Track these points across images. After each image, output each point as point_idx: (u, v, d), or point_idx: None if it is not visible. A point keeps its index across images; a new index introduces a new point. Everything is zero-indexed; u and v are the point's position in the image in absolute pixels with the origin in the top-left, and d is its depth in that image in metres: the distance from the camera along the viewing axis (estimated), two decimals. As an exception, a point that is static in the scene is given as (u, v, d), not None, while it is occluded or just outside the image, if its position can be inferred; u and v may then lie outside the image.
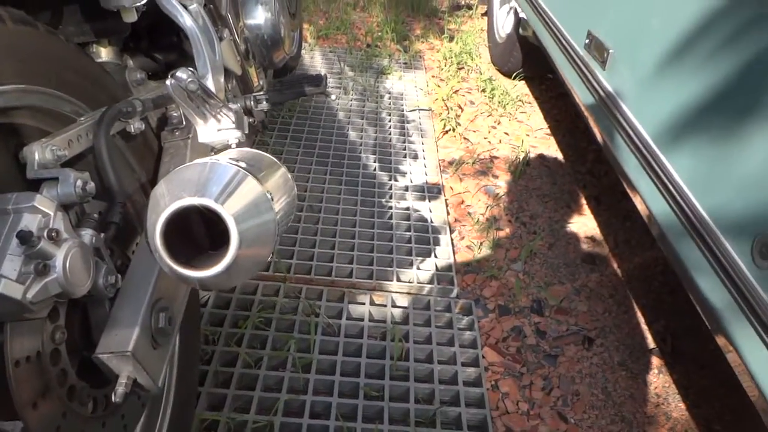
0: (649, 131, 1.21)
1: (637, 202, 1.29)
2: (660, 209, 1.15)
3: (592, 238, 1.96)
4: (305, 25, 3.27)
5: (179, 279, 0.63)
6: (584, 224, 2.02)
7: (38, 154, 0.67)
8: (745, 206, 0.88)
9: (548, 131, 2.61)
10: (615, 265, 1.85)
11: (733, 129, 0.95)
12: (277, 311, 1.51)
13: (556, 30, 1.87)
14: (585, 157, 2.39)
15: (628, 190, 1.34)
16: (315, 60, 3.05)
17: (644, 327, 1.63)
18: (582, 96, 1.63)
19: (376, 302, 1.58)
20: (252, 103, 1.23)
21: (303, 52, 2.98)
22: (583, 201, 2.14)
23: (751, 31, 0.95)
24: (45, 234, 0.61)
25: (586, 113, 1.62)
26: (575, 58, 1.66)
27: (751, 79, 0.94)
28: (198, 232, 0.69)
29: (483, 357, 1.46)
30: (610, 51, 1.42)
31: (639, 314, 1.67)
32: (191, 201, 0.61)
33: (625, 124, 1.31)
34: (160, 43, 1.19)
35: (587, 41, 1.56)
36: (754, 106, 0.91)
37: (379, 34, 3.44)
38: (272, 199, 0.72)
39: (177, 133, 1.04)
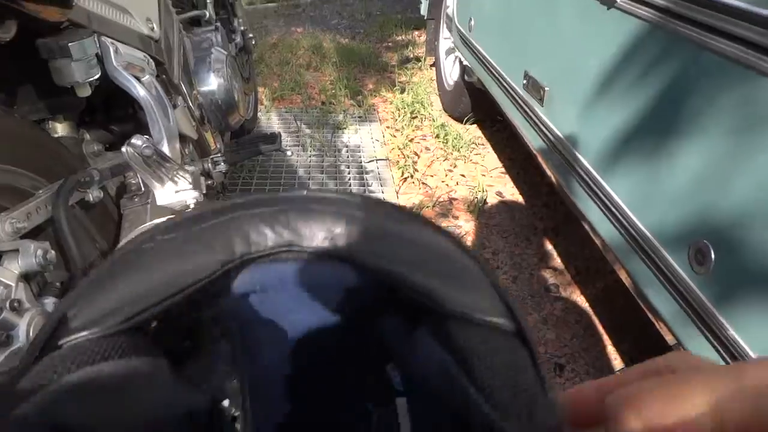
0: (588, 159, 1.28)
1: (588, 227, 1.36)
2: (607, 232, 1.21)
3: (553, 268, 2.02)
4: (260, 89, 3.36)
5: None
6: (545, 255, 2.09)
7: (-3, 228, 0.69)
8: (677, 217, 0.95)
9: (503, 170, 2.71)
10: (578, 292, 1.90)
11: (659, 149, 1.02)
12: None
13: (497, 74, 1.98)
14: (540, 191, 2.48)
15: (579, 217, 1.41)
16: (272, 121, 3.12)
17: (611, 348, 1.67)
18: (527, 133, 1.72)
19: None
20: (210, 165, 1.27)
21: (260, 114, 3.05)
22: (542, 233, 2.21)
23: (666, 60, 1.05)
24: (7, 305, 0.62)
25: (532, 149, 1.70)
26: (516, 98, 1.76)
27: (669, 104, 1.02)
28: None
29: (459, 394, 1.46)
30: (546, 88, 1.51)
31: (605, 336, 1.71)
32: (151, 258, 0.63)
33: (566, 154, 1.39)
34: (115, 115, 1.22)
35: (525, 81, 1.67)
36: (674, 126, 0.99)
37: (333, 91, 3.55)
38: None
39: (136, 200, 1.06)
